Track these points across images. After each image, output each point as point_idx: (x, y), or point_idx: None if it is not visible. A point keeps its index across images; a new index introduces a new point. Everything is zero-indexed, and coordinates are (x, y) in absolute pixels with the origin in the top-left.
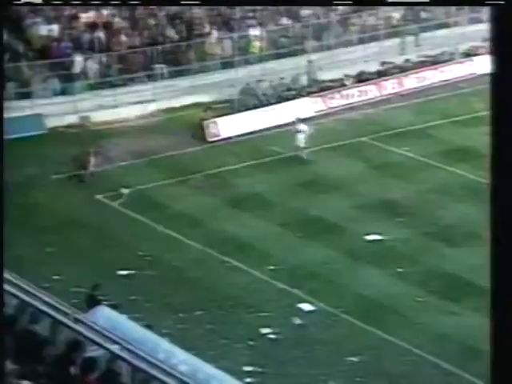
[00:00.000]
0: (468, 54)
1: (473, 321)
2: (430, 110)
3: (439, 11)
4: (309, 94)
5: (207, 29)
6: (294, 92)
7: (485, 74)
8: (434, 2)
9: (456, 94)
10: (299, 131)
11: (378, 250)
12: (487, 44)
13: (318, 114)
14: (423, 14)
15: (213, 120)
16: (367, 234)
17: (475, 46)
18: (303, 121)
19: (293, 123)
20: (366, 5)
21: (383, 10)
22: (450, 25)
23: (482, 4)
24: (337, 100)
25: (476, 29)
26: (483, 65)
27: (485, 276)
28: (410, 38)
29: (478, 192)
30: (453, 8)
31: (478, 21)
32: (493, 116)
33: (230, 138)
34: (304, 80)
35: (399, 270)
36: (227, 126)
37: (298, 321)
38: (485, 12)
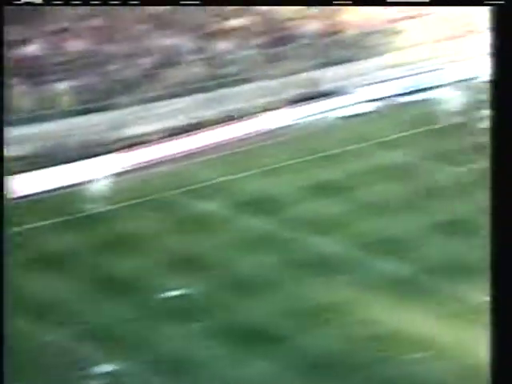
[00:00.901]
0: (266, 109)
1: (271, 369)
2: (232, 163)
3: (240, 67)
4: (117, 149)
5: (13, 81)
6: (102, 148)
7: (282, 128)
8: (434, 2)
9: (257, 147)
10: (98, 190)
11: (178, 304)
12: (284, 98)
13: (126, 169)
14: (226, 70)
15: (15, 176)
16: (168, 290)
17: (273, 100)
18: (101, 179)
19: (92, 182)
20: (366, 5)
21: (189, 66)
22: (251, 80)
23: (482, 4)
24: (144, 155)
25: (274, 84)
26: (279, 119)
27: (279, 325)
28: (214, 94)
29: (275, 242)
30: (255, 63)
31: (275, 76)
32: (493, 112)
33: (32, 194)
34: (113, 135)
35: (198, 323)
36: (30, 183)
37: (96, 383)
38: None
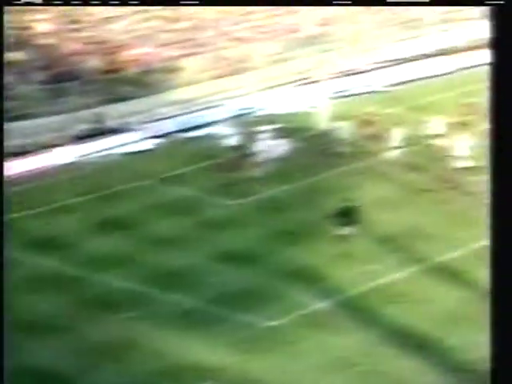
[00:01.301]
0: (49, 145)
1: None
2: (14, 201)
3: (21, 102)
4: None
5: None
6: None
7: (66, 164)
8: (434, 2)
9: (40, 185)
10: None
11: None
12: (69, 135)
13: None
14: (5, 104)
15: None
16: None
17: (57, 136)
18: None
19: None
20: (366, 5)
21: None
22: (33, 115)
23: (482, 4)
24: None
25: (57, 120)
26: (64, 156)
27: (70, 364)
28: None
29: (64, 281)
30: (37, 98)
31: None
32: (493, 111)
33: None
34: None
35: None
36: None
37: None
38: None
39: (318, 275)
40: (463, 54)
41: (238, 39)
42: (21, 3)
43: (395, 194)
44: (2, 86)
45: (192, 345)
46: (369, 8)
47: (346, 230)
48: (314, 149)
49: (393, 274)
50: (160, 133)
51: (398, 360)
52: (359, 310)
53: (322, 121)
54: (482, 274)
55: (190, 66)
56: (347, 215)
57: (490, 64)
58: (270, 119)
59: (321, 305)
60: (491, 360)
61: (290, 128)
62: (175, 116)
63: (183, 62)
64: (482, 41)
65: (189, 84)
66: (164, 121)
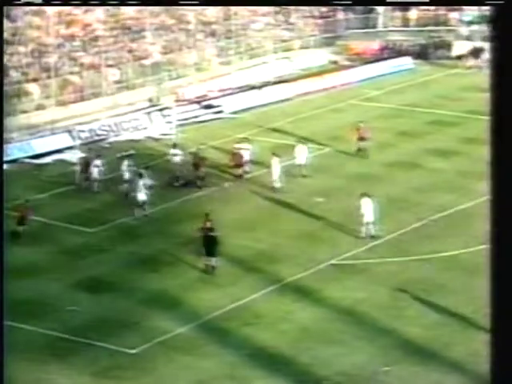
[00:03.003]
0: None
1: None
2: None
3: None
4: None
5: None
6: None
7: None
8: (434, 2)
9: None
10: None
11: None
12: None
13: None
14: None
15: None
16: None
17: None
18: None
19: None
20: (366, 5)
21: None
22: None
23: (482, 4)
24: None
25: None
26: None
27: None
28: None
29: None
30: None
31: None
32: (493, 111)
33: None
34: None
35: None
36: None
37: None
38: None
39: (177, 300)
40: (300, 81)
41: (84, 65)
42: (21, 3)
43: (251, 217)
44: (2, 86)
45: (54, 376)
46: (212, 36)
47: (209, 261)
48: (167, 175)
49: (250, 296)
50: (7, 158)
51: (260, 380)
52: (220, 333)
53: (173, 147)
54: (332, 292)
55: (36, 91)
56: (208, 244)
57: (491, 64)
58: (119, 146)
59: (182, 329)
60: (491, 361)
61: (141, 154)
62: (22, 141)
63: (28, 87)
64: (318, 68)
65: (36, 109)
66: (10, 146)
